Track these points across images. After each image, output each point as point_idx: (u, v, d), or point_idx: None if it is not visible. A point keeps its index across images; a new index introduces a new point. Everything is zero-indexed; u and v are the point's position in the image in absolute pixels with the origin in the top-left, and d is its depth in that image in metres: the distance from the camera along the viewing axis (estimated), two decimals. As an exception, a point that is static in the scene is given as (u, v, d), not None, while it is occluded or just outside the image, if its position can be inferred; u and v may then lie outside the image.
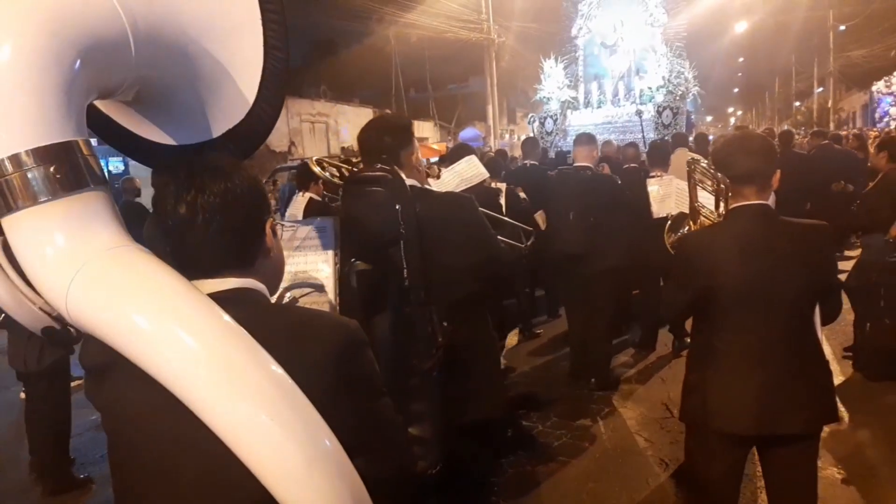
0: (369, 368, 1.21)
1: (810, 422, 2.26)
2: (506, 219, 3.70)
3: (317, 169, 3.60)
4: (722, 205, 2.37)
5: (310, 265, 1.78)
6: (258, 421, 0.94)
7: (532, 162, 7.10)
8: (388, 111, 29.66)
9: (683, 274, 2.33)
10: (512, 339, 6.25)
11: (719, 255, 2.21)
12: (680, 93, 12.64)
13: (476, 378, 2.50)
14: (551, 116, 13.70)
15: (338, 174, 3.56)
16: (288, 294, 1.72)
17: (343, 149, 25.72)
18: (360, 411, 1.18)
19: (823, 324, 2.33)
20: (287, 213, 5.82)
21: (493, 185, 5.77)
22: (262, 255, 1.22)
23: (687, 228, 2.66)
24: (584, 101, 13.91)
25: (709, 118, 66.25)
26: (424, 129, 32.41)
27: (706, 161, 2.55)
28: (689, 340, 2.56)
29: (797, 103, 52.51)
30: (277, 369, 1.00)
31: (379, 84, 30.54)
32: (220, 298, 1.07)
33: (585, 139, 5.20)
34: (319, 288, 1.75)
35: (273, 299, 1.68)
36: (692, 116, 14.23)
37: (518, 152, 11.00)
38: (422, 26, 23.36)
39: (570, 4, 14.16)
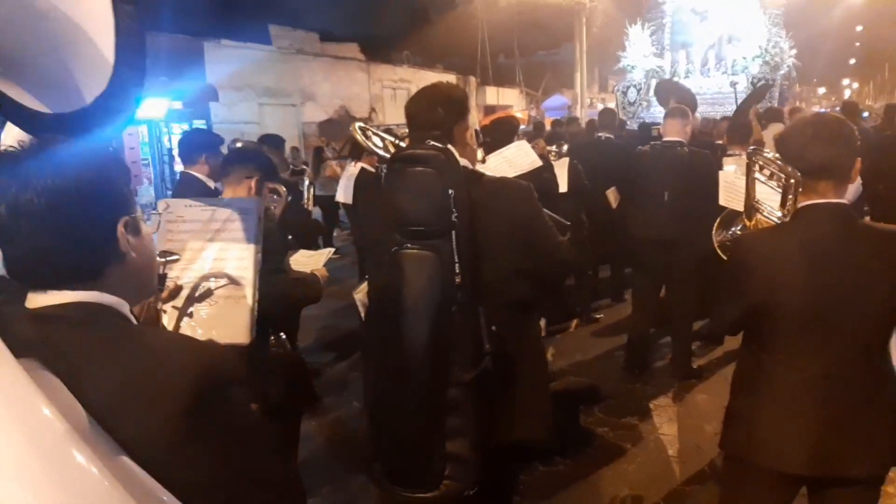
0: (234, 416, 0.99)
1: (876, 464, 1.90)
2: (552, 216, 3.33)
3: (360, 137, 3.40)
4: (788, 202, 1.96)
5: (229, 252, 1.55)
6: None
7: (607, 135, 6.66)
8: (472, 77, 29.35)
9: (736, 284, 1.97)
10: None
11: (781, 264, 1.85)
12: (774, 63, 11.62)
13: (521, 394, 2.18)
14: (635, 86, 13.00)
15: (381, 145, 3.33)
16: (204, 284, 1.51)
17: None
18: (219, 471, 0.96)
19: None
20: (340, 185, 5.69)
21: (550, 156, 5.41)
22: (113, 263, 1.02)
23: (740, 227, 2.26)
24: (670, 70, 13.07)
25: (821, 90, 61.76)
26: (510, 97, 31.77)
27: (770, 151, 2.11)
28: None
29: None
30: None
31: (466, 50, 30.03)
32: (45, 316, 0.91)
33: (678, 112, 4.75)
34: (236, 280, 1.52)
35: (184, 292, 1.48)
36: (785, 89, 13.13)
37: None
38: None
39: (658, -31, 13.28)
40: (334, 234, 10.54)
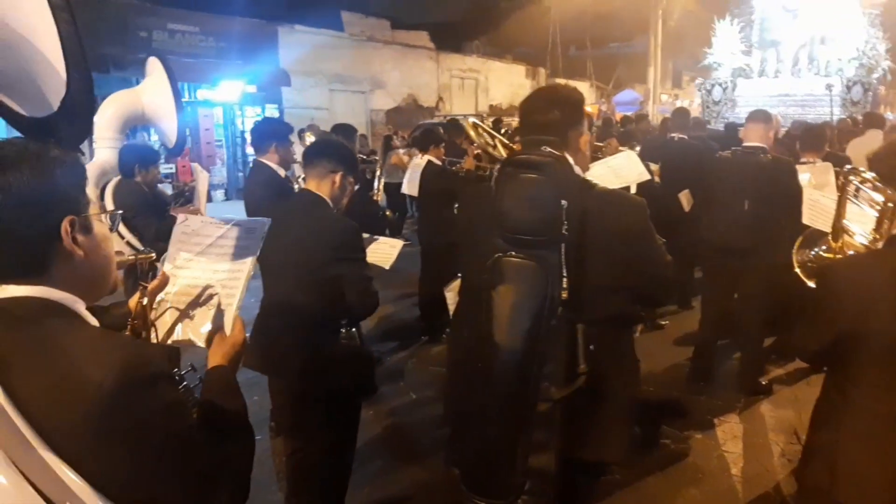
0: (158, 412, 1.03)
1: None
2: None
3: (472, 133, 3.39)
4: (884, 227, 1.83)
5: (229, 265, 1.57)
6: None
7: (680, 136, 6.43)
8: (541, 69, 28.97)
9: (825, 312, 1.86)
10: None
11: (875, 293, 1.73)
12: (870, 66, 11.01)
13: (609, 413, 2.07)
14: (720, 84, 12.52)
15: (491, 143, 3.29)
16: (208, 292, 1.55)
17: (491, 106, 25.43)
18: (141, 465, 1.01)
19: None
20: (406, 176, 5.70)
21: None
22: (60, 261, 1.09)
23: (824, 248, 2.13)
24: (759, 69, 12.51)
25: (911, 93, 58.30)
26: (580, 90, 31.20)
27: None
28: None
29: None
30: None
31: (536, 41, 29.61)
32: None
33: (762, 116, 4.54)
34: (210, 300, 1.55)
35: (187, 298, 1.52)
36: (879, 93, 12.46)
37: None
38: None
39: (749, -37, 12.74)
40: (405, 223, 10.59)
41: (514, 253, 1.89)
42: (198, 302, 1.53)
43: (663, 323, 6.00)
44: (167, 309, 1.52)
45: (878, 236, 1.86)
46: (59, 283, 1.09)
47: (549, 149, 1.90)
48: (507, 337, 1.89)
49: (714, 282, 4.82)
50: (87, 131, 1.36)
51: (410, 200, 9.32)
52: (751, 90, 12.42)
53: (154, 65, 4.20)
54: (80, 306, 1.13)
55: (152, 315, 1.47)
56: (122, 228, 4.01)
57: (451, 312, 2.64)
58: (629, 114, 17.84)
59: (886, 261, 1.79)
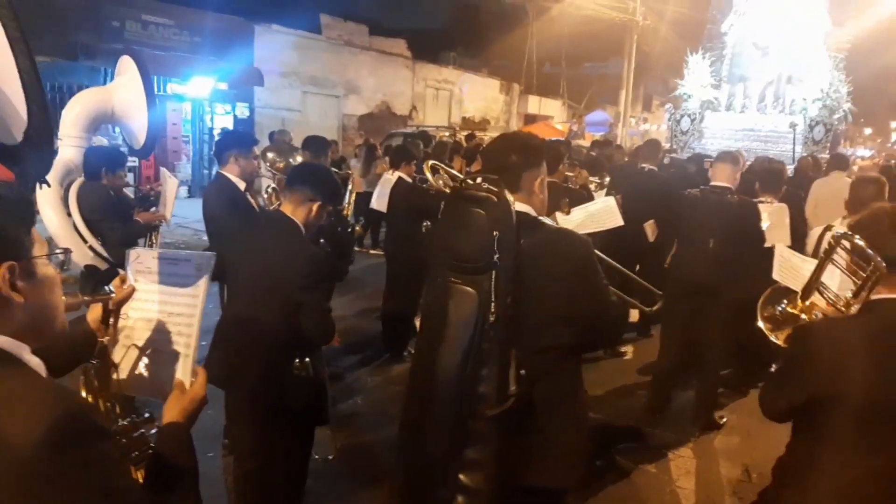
0: (94, 471, 0.99)
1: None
2: (633, 276, 3.27)
3: (429, 175, 3.43)
4: (863, 292, 1.87)
5: (180, 303, 1.55)
6: None
7: (650, 167, 6.57)
8: (516, 84, 29.21)
9: (799, 371, 1.90)
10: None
11: (851, 358, 1.77)
12: (833, 107, 11.43)
13: (553, 439, 2.16)
14: (689, 115, 12.84)
15: (452, 183, 3.33)
16: (159, 326, 1.52)
17: (464, 119, 25.52)
18: None
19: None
20: (375, 192, 5.67)
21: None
22: None
23: (785, 306, 2.18)
24: (726, 103, 12.90)
25: (868, 131, 60.50)
26: (552, 108, 31.56)
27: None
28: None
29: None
30: None
31: (512, 56, 29.88)
32: None
33: (730, 158, 4.72)
34: (166, 339, 1.51)
35: (134, 332, 1.49)
36: (839, 133, 12.98)
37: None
38: (565, 1, 22.42)
39: (725, -2, 13.13)
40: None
41: (454, 278, 2.10)
42: (154, 341, 1.49)
43: (623, 350, 6.07)
44: (128, 346, 1.48)
45: (852, 301, 1.90)
46: (2, 327, 1.05)
47: (487, 185, 2.09)
48: (448, 356, 2.07)
49: (675, 315, 4.89)
50: (50, 163, 1.31)
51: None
52: (718, 123, 12.77)
53: (127, 63, 4.10)
54: (23, 352, 1.08)
55: (114, 347, 1.43)
56: (85, 233, 3.90)
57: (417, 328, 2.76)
58: (598, 136, 18.11)
59: (864, 326, 1.82)
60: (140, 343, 1.50)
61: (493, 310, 1.99)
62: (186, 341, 1.49)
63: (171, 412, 1.35)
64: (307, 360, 2.77)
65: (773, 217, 4.64)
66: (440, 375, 2.09)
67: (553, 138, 13.03)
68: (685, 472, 4.04)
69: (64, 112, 3.98)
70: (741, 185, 4.77)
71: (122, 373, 1.47)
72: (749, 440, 4.43)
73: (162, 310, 1.53)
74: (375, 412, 4.62)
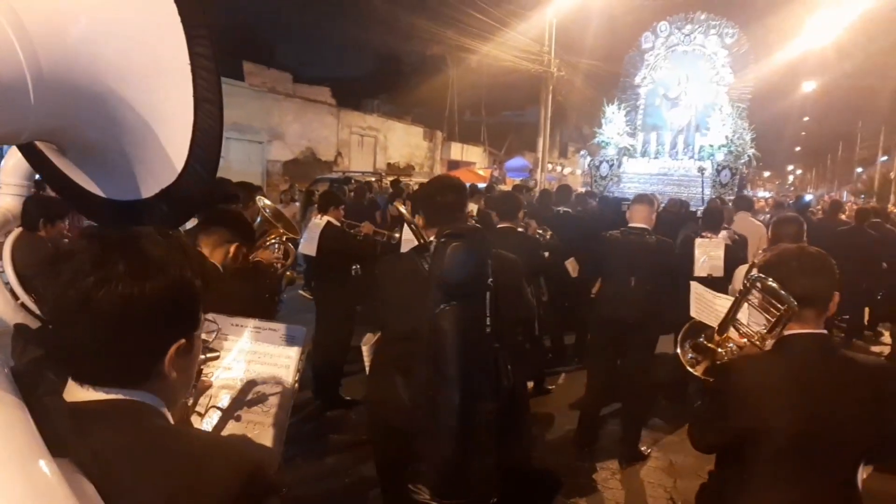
0: None
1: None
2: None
3: (404, 210, 3.45)
4: (776, 329, 2.00)
5: (264, 375, 1.52)
6: None
7: (565, 209, 7.00)
8: (438, 132, 29.84)
9: (726, 406, 1.98)
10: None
11: (770, 392, 1.88)
12: (738, 153, 12.42)
13: (519, 423, 2.76)
14: (608, 161, 13.63)
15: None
16: (256, 389, 1.47)
17: (389, 165, 25.78)
18: None
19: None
20: (304, 236, 5.62)
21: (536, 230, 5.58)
22: (154, 377, 0.97)
23: (702, 340, 2.31)
24: (641, 149, 13.82)
25: (766, 173, 64.70)
26: (474, 154, 32.31)
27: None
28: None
29: (859, 169, 51.02)
30: None
31: (434, 104, 30.59)
32: (85, 413, 0.87)
33: (646, 199, 4.95)
34: (263, 400, 1.48)
35: (229, 394, 1.44)
36: (745, 176, 14.08)
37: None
38: (484, 52, 23.25)
39: (636, 53, 14.25)
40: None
41: (453, 303, 2.35)
42: (244, 400, 1.43)
43: (550, 388, 6.18)
44: (210, 408, 1.42)
45: (767, 336, 2.03)
46: (151, 391, 0.98)
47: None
48: (462, 368, 2.31)
49: (601, 351, 5.04)
50: (184, 218, 1.20)
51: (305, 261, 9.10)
52: (634, 168, 13.62)
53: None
54: (166, 410, 1.01)
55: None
56: (17, 289, 3.67)
57: (367, 364, 2.79)
58: (518, 181, 18.68)
59: (781, 361, 1.94)
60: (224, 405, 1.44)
61: (489, 323, 2.38)
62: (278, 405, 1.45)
63: None
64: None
65: (709, 250, 5.15)
66: (447, 384, 2.32)
67: (476, 183, 13.43)
68: (605, 501, 4.13)
69: (4, 160, 3.79)
70: (665, 226, 5.11)
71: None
72: (672, 470, 4.58)
73: (248, 373, 1.49)
74: (316, 461, 4.50)
